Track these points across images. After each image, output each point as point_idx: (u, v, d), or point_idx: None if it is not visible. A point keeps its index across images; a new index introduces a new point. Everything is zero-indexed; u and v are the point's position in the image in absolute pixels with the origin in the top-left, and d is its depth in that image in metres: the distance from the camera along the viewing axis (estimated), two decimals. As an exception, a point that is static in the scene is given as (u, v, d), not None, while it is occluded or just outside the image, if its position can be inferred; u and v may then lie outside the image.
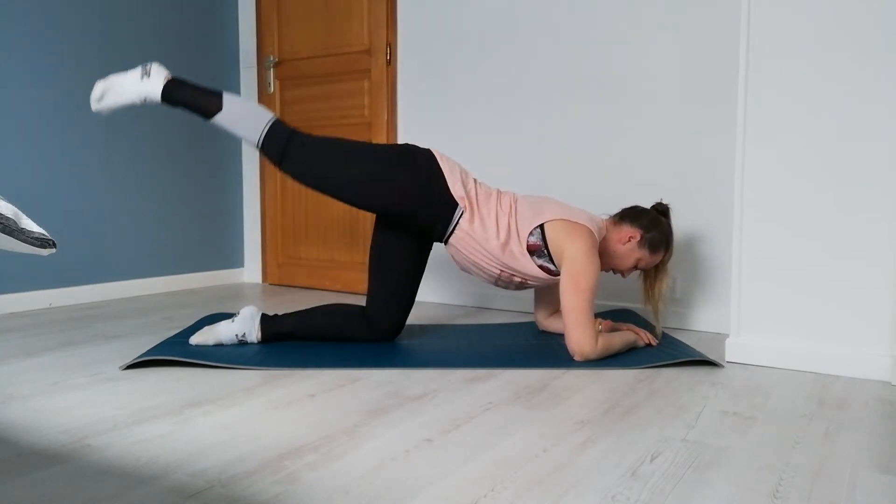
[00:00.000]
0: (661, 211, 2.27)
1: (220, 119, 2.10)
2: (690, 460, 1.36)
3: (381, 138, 3.37)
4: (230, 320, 2.21)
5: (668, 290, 2.30)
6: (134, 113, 3.33)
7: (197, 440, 1.44)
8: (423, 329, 2.54)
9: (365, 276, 3.48)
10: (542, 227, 2.12)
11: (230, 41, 3.81)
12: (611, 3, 2.75)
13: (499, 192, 2.21)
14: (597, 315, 2.60)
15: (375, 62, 3.36)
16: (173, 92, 2.11)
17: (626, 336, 2.16)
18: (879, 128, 1.94)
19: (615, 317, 2.61)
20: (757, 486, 1.24)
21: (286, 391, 1.79)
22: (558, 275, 2.15)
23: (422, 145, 3.11)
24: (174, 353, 2.06)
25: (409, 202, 2.10)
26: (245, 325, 2.19)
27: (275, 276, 3.83)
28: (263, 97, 3.77)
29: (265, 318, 2.23)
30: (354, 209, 3.48)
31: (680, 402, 1.72)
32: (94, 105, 2.12)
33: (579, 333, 2.03)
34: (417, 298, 3.27)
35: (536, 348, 2.25)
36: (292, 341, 2.26)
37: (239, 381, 1.87)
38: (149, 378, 1.90)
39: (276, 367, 1.99)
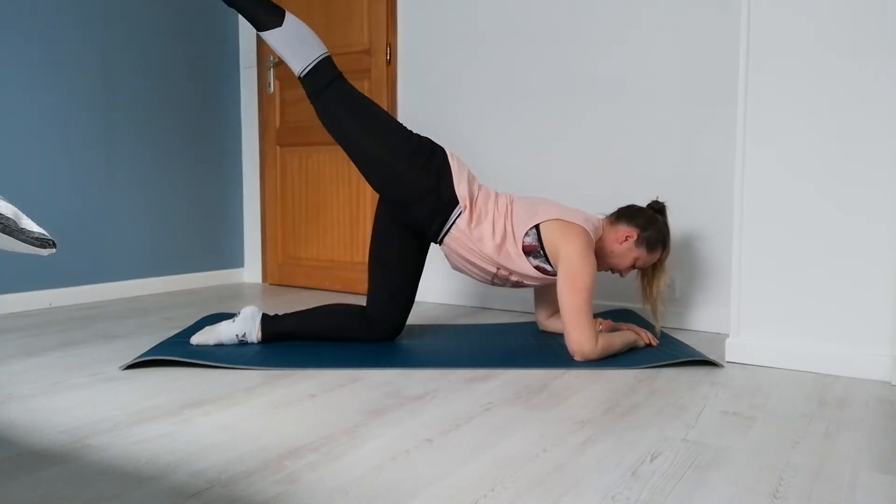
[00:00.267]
0: (658, 209, 2.27)
1: (275, 34, 2.09)
2: (690, 460, 1.36)
3: (381, 138, 3.36)
4: (231, 320, 2.21)
5: (667, 289, 2.31)
6: (134, 112, 3.33)
7: (197, 440, 1.44)
8: (423, 329, 2.54)
9: (365, 276, 3.48)
10: (537, 227, 2.12)
11: (230, 41, 3.81)
12: (611, 3, 2.75)
13: (496, 193, 2.21)
14: (597, 315, 2.60)
15: (375, 62, 3.36)
16: None
17: (626, 336, 2.16)
18: (879, 128, 1.94)
19: (615, 317, 2.61)
20: (757, 486, 1.24)
21: (286, 391, 1.79)
22: (555, 275, 2.15)
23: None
24: (174, 353, 2.06)
25: (412, 192, 2.11)
26: (245, 325, 2.20)
27: (275, 276, 3.83)
28: (263, 97, 3.78)
29: (266, 318, 2.23)
30: (354, 210, 3.49)
31: (680, 402, 1.73)
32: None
33: (579, 333, 2.03)
34: (417, 298, 3.27)
35: (536, 348, 2.25)
36: (293, 341, 2.26)
37: (239, 381, 1.87)
38: (149, 378, 1.90)
39: (276, 367, 1.99)
